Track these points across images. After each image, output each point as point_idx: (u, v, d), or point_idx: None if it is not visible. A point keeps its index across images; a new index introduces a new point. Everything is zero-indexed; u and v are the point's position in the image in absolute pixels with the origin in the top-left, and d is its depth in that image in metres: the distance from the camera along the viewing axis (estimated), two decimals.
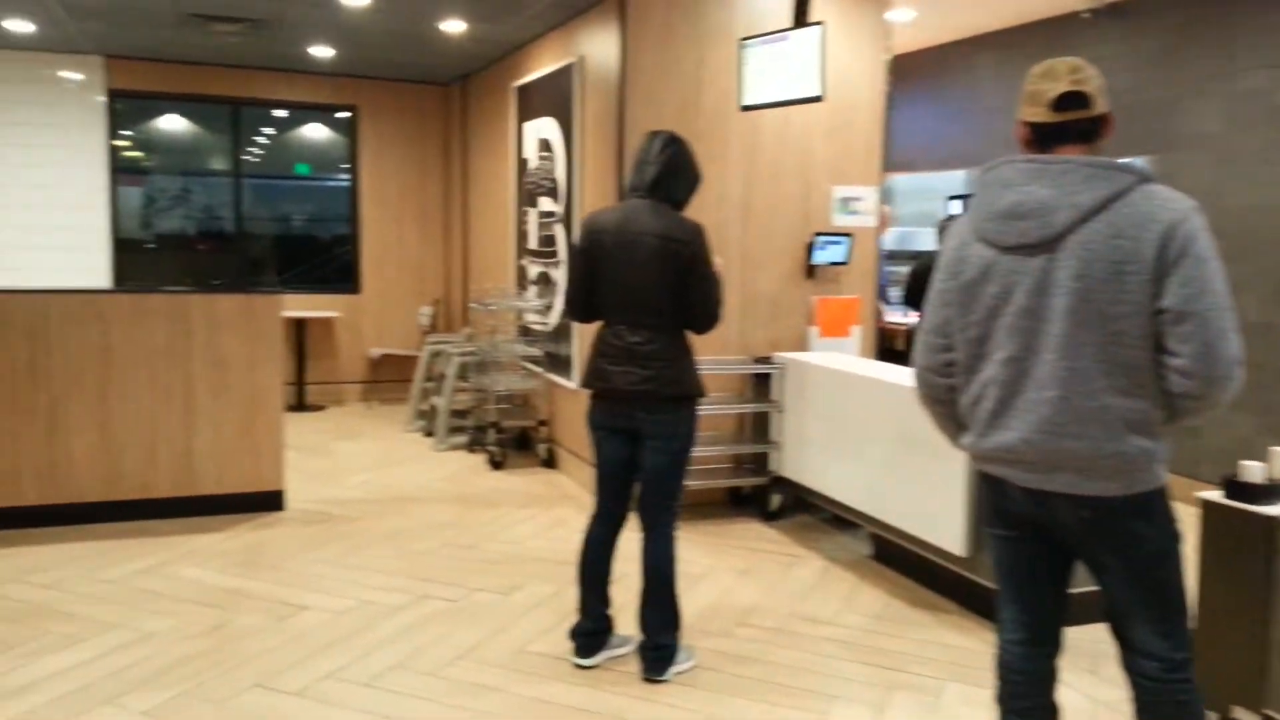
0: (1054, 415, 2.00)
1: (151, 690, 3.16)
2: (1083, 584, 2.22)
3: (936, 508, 3.92)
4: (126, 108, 8.02)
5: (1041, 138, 2.10)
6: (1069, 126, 2.07)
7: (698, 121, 5.14)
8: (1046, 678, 2.25)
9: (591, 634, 3.39)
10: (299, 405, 8.07)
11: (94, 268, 7.73)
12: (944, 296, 2.20)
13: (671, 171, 3.30)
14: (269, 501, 5.13)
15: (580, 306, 3.40)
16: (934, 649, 3.60)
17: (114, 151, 7.85)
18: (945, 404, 2.27)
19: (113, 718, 2.99)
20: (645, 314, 3.24)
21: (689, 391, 3.28)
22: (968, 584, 3.89)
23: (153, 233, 8.41)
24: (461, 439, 6.85)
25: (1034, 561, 2.20)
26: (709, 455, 4.93)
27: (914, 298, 6.54)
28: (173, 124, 8.40)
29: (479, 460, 6.45)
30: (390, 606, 3.90)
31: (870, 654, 3.55)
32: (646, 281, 3.21)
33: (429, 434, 7.15)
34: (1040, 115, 2.09)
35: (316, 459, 6.40)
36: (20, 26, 6.61)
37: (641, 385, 3.21)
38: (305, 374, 8.25)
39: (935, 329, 2.24)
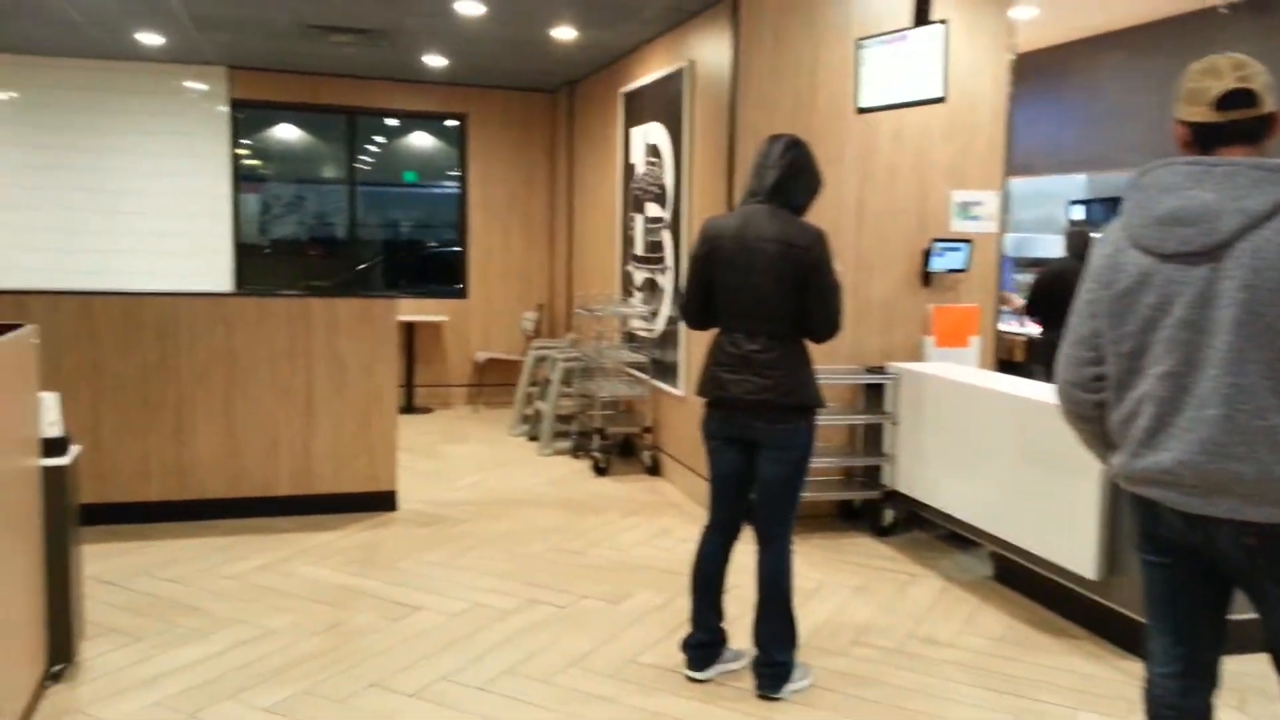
0: (1217, 435, 1.86)
1: (274, 686, 3.24)
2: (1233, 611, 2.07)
3: (1066, 527, 3.74)
4: (247, 117, 8.31)
5: (1202, 138, 1.97)
6: (1233, 126, 1.94)
7: (811, 124, 5.04)
8: (1202, 715, 2.10)
9: (704, 646, 3.34)
10: (408, 407, 8.23)
11: (217, 271, 8.04)
12: (1093, 306, 2.08)
13: (792, 176, 3.23)
14: (382, 501, 5.23)
15: (696, 313, 3.36)
16: (1063, 676, 3.43)
17: (236, 159, 8.15)
18: (1092, 421, 2.14)
19: (237, 713, 3.06)
20: (763, 321, 3.17)
21: (807, 402, 3.20)
22: (1100, 609, 3.70)
23: (269, 238, 8.70)
24: (566, 444, 6.88)
25: (1189, 589, 2.06)
26: (819, 467, 4.81)
27: (1039, 307, 6.30)
28: (289, 133, 8.68)
29: (583, 465, 6.46)
30: (501, 610, 3.92)
31: (995, 679, 3.40)
32: (765, 288, 3.15)
33: (533, 438, 7.20)
34: (1201, 114, 1.96)
35: (426, 460, 6.50)
36: (151, 39, 6.91)
37: (759, 395, 3.15)
38: (414, 377, 8.42)
39: (1082, 341, 2.12)
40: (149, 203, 7.90)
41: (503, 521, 5.16)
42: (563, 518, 5.26)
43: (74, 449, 3.36)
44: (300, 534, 4.83)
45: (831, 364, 4.97)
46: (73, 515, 3.33)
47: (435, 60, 7.45)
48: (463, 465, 6.44)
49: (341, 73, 8.12)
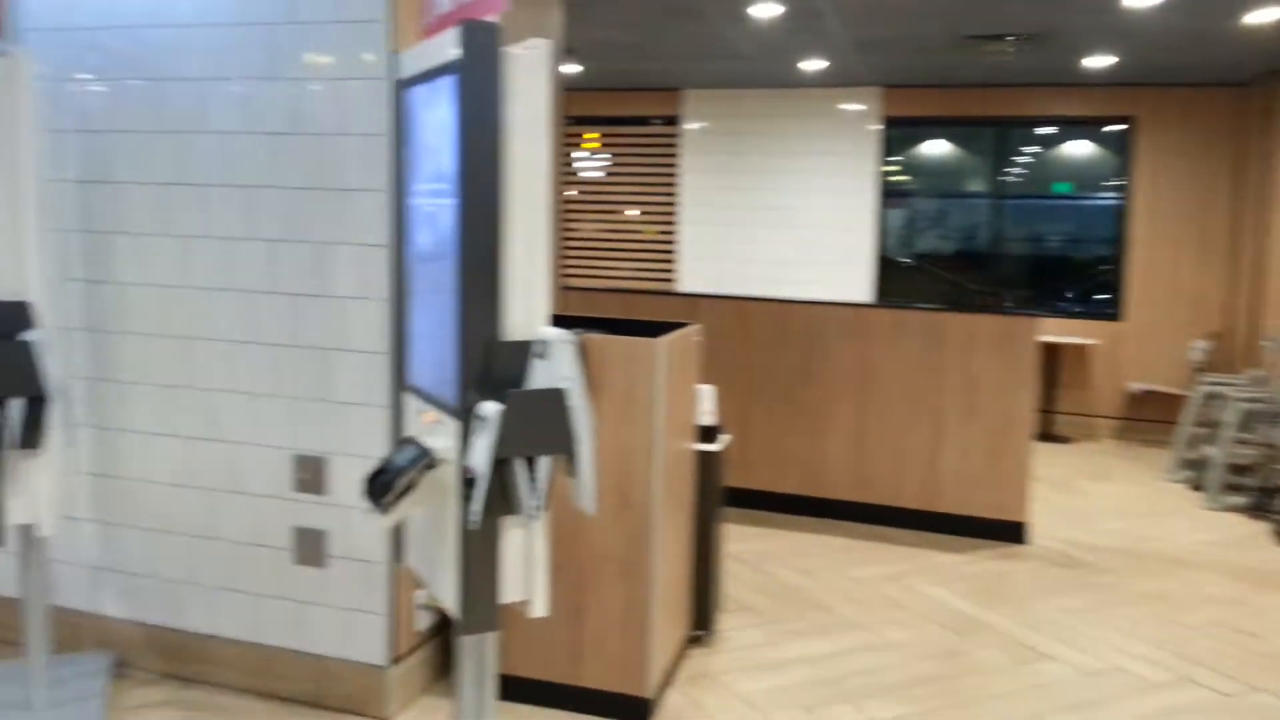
0: None
1: (887, 701, 3.13)
2: None
3: None
4: (896, 134, 8.47)
5: None
6: None
7: None
8: None
9: None
10: (1044, 435, 7.67)
11: (859, 283, 8.34)
12: None
13: None
14: (1010, 532, 4.87)
15: None
16: None
17: (883, 175, 8.36)
18: None
19: (852, 717, 3.02)
20: None
21: None
22: None
23: (910, 252, 8.77)
24: (1239, 500, 5.75)
25: None
26: None
27: None
28: (935, 147, 8.65)
29: (1262, 529, 5.33)
30: (1146, 681, 3.34)
31: None
32: None
33: (1196, 487, 6.16)
34: None
35: (1062, 495, 5.94)
36: (813, 65, 7.37)
37: None
38: (1053, 403, 7.81)
39: None
40: (806, 217, 8.48)
41: (1154, 579, 4.45)
42: (1234, 588, 4.37)
43: (724, 437, 3.63)
44: (922, 550, 4.70)
45: None
46: (719, 497, 3.61)
47: (1098, 60, 6.79)
48: (1107, 506, 5.74)
49: (991, 82, 7.85)
